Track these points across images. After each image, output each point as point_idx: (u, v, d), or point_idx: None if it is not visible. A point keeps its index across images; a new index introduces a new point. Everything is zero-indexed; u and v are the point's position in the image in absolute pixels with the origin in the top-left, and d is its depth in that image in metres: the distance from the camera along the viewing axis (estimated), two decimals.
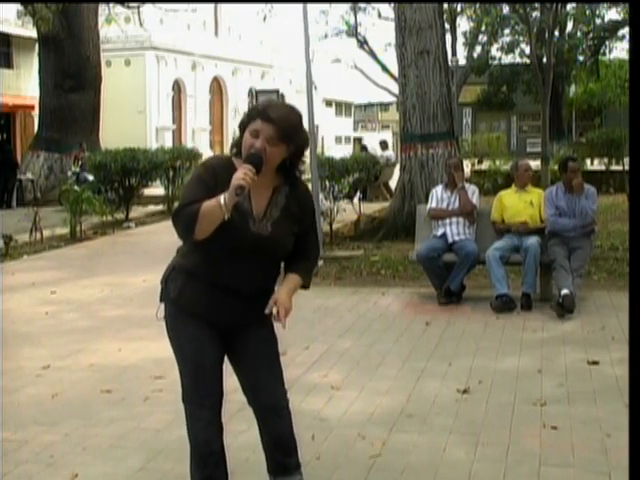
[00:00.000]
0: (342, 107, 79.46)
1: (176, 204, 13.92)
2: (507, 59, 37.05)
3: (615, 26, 22.30)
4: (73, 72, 24.80)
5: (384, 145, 24.26)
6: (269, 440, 3.94)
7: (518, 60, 36.62)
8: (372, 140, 32.61)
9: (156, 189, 20.64)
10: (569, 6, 28.14)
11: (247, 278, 3.62)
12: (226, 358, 3.82)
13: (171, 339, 3.87)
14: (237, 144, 3.65)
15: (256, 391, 3.83)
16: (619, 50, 40.62)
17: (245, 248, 3.57)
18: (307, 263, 3.82)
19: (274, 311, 3.62)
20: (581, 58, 35.06)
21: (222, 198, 3.38)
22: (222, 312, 3.67)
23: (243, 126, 3.59)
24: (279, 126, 3.48)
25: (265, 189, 3.62)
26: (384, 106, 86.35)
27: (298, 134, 3.58)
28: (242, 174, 3.36)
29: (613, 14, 30.68)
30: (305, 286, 3.81)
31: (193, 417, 3.77)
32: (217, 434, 3.77)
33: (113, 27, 29.39)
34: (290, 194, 3.69)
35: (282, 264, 3.80)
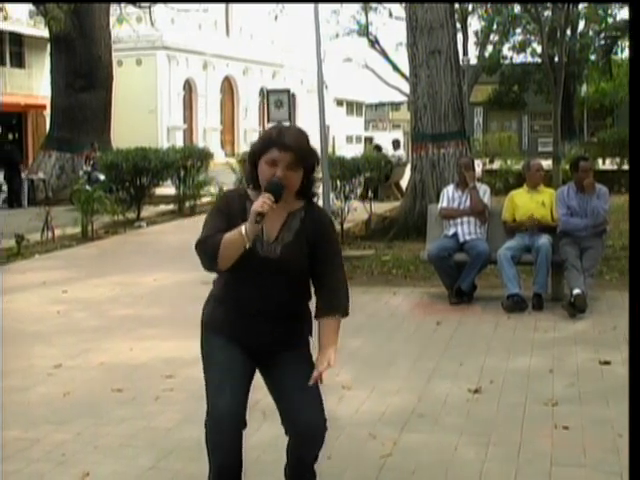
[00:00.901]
0: (353, 107, 79.50)
1: (187, 204, 13.89)
2: (519, 58, 37.07)
3: (627, 25, 22.24)
4: (85, 72, 24.85)
5: (396, 144, 24.24)
6: (296, 461, 3.93)
7: (530, 59, 36.60)
8: (384, 140, 32.59)
9: (167, 189, 20.67)
10: (581, 5, 28.05)
11: (269, 299, 3.61)
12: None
13: (203, 358, 3.76)
14: (251, 177, 3.64)
15: (294, 418, 3.72)
16: None
17: (257, 271, 3.57)
18: (338, 295, 3.79)
19: (315, 375, 3.62)
20: (593, 57, 35.01)
21: (243, 228, 3.40)
22: (251, 336, 3.66)
23: (254, 157, 3.58)
24: (296, 152, 3.50)
25: (280, 213, 3.60)
26: (395, 106, 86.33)
27: (311, 155, 3.61)
28: (261, 202, 3.36)
29: (625, 13, 30.58)
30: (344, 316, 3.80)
31: (212, 430, 3.68)
32: (235, 448, 3.70)
33: (125, 27, 29.42)
34: (306, 217, 3.68)
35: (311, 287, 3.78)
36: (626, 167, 23.50)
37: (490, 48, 35.75)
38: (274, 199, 3.39)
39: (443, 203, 9.26)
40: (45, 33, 28.34)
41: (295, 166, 3.51)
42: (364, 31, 33.95)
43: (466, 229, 8.99)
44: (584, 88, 42.25)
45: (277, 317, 3.65)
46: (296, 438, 3.79)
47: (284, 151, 3.49)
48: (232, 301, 3.67)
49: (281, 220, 3.63)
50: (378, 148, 24.87)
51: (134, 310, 8.92)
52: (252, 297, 3.62)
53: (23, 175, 23.42)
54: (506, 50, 36.58)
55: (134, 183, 18.50)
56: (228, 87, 57.09)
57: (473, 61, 34.91)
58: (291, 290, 3.66)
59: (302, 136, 3.61)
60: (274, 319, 3.65)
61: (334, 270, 3.77)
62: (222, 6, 53.64)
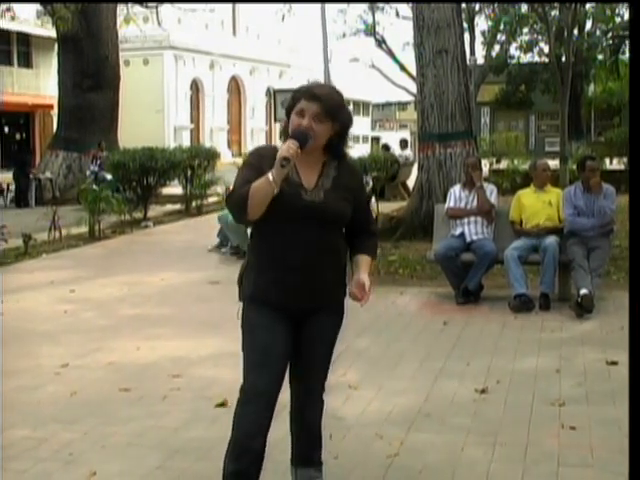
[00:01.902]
0: (360, 106, 79.43)
1: (194, 204, 13.88)
2: (526, 58, 36.97)
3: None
4: (92, 72, 24.89)
5: (404, 144, 24.24)
6: (299, 428, 4.02)
7: (537, 59, 36.53)
8: (391, 139, 32.58)
9: (174, 188, 20.68)
10: (588, 5, 27.98)
11: (312, 251, 3.67)
12: None
13: (243, 331, 3.82)
14: (285, 131, 3.76)
15: (304, 373, 3.89)
16: None
17: (302, 217, 3.63)
18: (372, 239, 3.94)
19: (355, 291, 3.73)
20: (600, 57, 34.94)
21: (270, 174, 3.50)
22: (293, 293, 3.70)
23: (289, 110, 3.71)
24: (324, 103, 3.61)
25: (314, 164, 3.74)
26: (402, 105, 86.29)
27: (342, 112, 3.71)
28: (286, 146, 3.49)
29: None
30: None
31: (242, 407, 3.75)
32: (260, 431, 3.74)
33: (132, 27, 29.47)
34: (339, 167, 3.78)
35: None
36: None
37: (497, 48, 35.70)
38: (299, 145, 3.51)
39: (450, 203, 9.26)
40: (52, 33, 28.38)
41: (323, 117, 3.62)
42: (371, 31, 33.89)
43: (473, 229, 8.98)
44: (591, 88, 42.18)
45: (320, 273, 3.71)
46: (298, 395, 3.95)
47: (311, 101, 3.62)
48: (276, 260, 3.69)
49: (317, 169, 3.75)
50: (386, 148, 24.86)
51: (141, 310, 8.93)
52: (296, 249, 3.65)
53: (30, 175, 23.48)
54: (513, 50, 36.53)
55: (141, 183, 18.51)
56: (235, 87, 57.15)
57: (480, 61, 34.84)
58: (333, 239, 3.75)
59: (333, 91, 3.75)
60: (318, 276, 3.70)
61: (368, 217, 3.95)
62: (229, 6, 53.70)
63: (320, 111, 3.60)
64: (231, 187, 3.71)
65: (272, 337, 3.72)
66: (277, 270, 3.69)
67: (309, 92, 3.66)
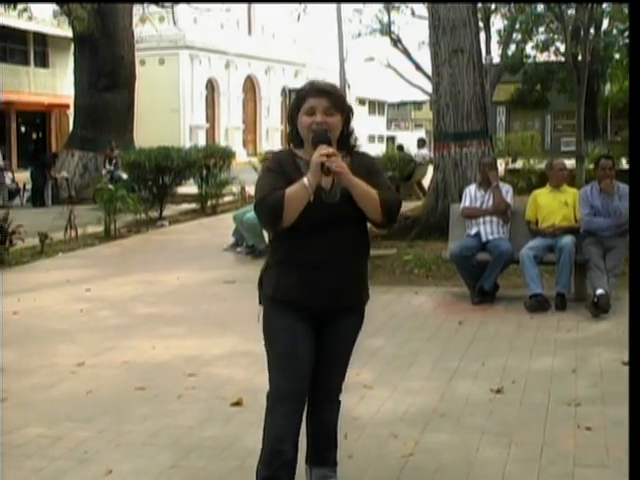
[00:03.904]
0: (375, 106, 79.49)
1: (209, 203, 13.90)
2: (542, 57, 36.77)
3: None
4: (108, 71, 24.95)
5: (421, 143, 24.24)
6: (315, 429, 4.00)
7: (553, 58, 36.33)
8: (407, 139, 32.54)
9: (190, 188, 20.72)
10: (605, 3, 27.85)
11: (334, 250, 3.65)
12: None
13: (265, 334, 3.81)
14: (293, 136, 3.76)
15: (319, 372, 3.83)
16: None
17: (322, 219, 3.60)
18: (393, 194, 3.76)
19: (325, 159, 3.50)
20: (617, 56, 34.75)
21: (306, 179, 3.49)
22: (317, 293, 3.68)
23: (295, 112, 3.69)
24: (332, 96, 3.63)
25: None
26: (417, 105, 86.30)
27: (346, 103, 3.73)
28: (324, 153, 3.46)
29: None
30: (386, 210, 3.65)
31: (272, 413, 3.74)
32: (291, 434, 3.73)
33: (147, 26, 29.53)
34: (353, 161, 3.73)
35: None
36: None
37: (513, 47, 35.56)
38: (327, 145, 3.51)
39: (466, 202, 9.24)
40: (69, 33, 28.49)
41: (333, 110, 3.63)
42: (386, 30, 33.87)
43: (488, 228, 8.96)
44: (608, 87, 41.98)
45: (342, 273, 3.70)
46: (316, 397, 3.89)
47: (320, 97, 3.62)
48: (298, 261, 3.67)
49: None
50: (400, 148, 24.88)
51: (156, 309, 8.95)
52: (318, 250, 3.64)
53: (48, 175, 23.58)
54: (529, 49, 36.34)
55: (157, 182, 18.55)
56: (250, 86, 57.22)
57: (496, 60, 34.75)
58: (354, 239, 3.74)
59: (333, 85, 3.77)
60: (340, 275, 3.69)
61: (388, 189, 3.74)
62: (244, 6, 53.77)
63: (330, 105, 3.61)
64: (253, 193, 3.69)
65: (295, 339, 3.70)
66: (299, 270, 3.67)
67: (315, 88, 3.65)
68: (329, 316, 3.79)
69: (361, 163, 3.76)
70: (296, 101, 3.68)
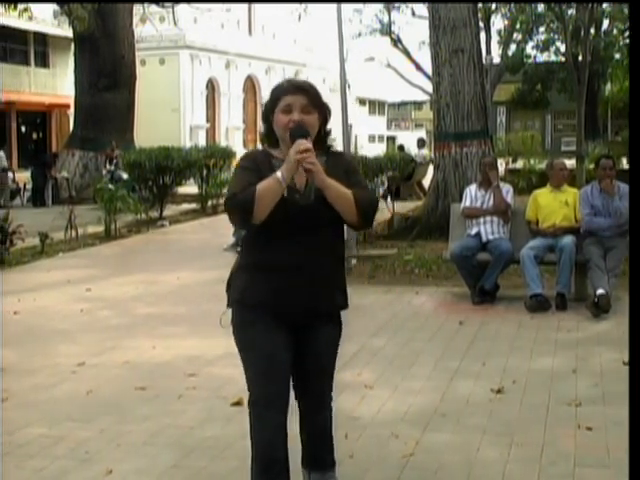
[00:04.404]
0: (375, 105, 79.41)
1: (210, 203, 13.81)
2: (542, 57, 36.83)
3: None
4: (108, 71, 24.98)
5: (421, 143, 24.25)
6: (309, 433, 3.91)
7: (553, 58, 36.38)
8: (408, 139, 32.55)
9: (190, 187, 20.74)
10: (605, 3, 27.87)
11: (307, 254, 3.53)
12: None
13: (239, 341, 3.70)
14: (268, 135, 3.67)
15: (307, 383, 3.79)
16: None
17: (295, 222, 3.50)
18: (367, 193, 3.63)
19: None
20: (617, 56, 34.77)
21: (279, 173, 3.40)
22: (288, 298, 3.56)
23: (267, 112, 3.59)
24: (309, 93, 3.55)
25: None
26: (417, 105, 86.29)
27: (323, 102, 3.63)
28: (303, 148, 3.36)
29: None
30: (361, 212, 3.53)
31: (260, 419, 3.63)
32: (283, 440, 3.66)
33: (148, 26, 29.53)
34: (328, 160, 3.63)
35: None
36: None
37: (513, 47, 35.60)
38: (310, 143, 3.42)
39: (466, 202, 9.24)
40: (69, 33, 28.51)
41: (311, 108, 3.54)
42: (387, 30, 33.90)
43: (489, 228, 8.96)
44: (608, 87, 41.99)
45: (316, 277, 3.57)
46: (307, 404, 3.85)
47: (297, 94, 3.53)
48: (270, 264, 3.56)
49: None
50: (401, 148, 24.90)
51: (157, 308, 8.95)
52: (293, 252, 3.53)
53: (48, 175, 23.59)
54: (529, 49, 36.42)
55: (157, 182, 18.58)
56: (250, 86, 57.17)
57: (496, 60, 34.78)
58: (327, 244, 3.60)
59: (311, 83, 3.67)
60: (313, 279, 3.56)
61: (364, 189, 3.63)
62: (245, 5, 53.71)
63: (307, 102, 3.52)
64: (226, 191, 3.58)
65: (273, 342, 3.59)
66: (269, 274, 3.56)
67: (292, 86, 3.57)
68: (304, 323, 3.67)
69: (337, 163, 3.64)
70: (271, 99, 3.58)
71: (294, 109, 3.50)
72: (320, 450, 3.95)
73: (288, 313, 3.60)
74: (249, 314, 3.64)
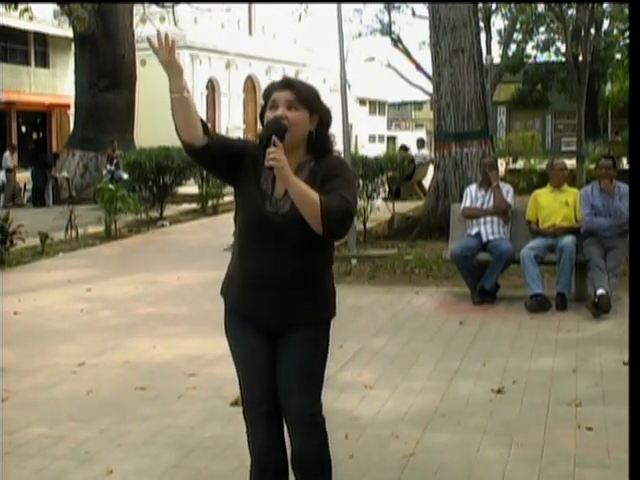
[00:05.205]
0: (376, 106, 79.38)
1: (210, 203, 13.78)
2: (542, 57, 36.84)
3: None
4: (108, 71, 24.97)
5: (421, 143, 24.24)
6: (291, 455, 3.62)
7: (553, 58, 36.39)
8: (408, 139, 32.56)
9: (190, 188, 20.73)
10: (605, 4, 27.89)
11: (274, 267, 3.36)
12: None
13: (229, 345, 3.67)
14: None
15: (283, 396, 3.51)
16: None
17: (265, 232, 3.35)
18: (340, 200, 3.23)
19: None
20: (618, 56, 34.78)
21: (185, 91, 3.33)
22: (259, 307, 3.42)
23: (262, 112, 3.49)
24: (296, 89, 3.38)
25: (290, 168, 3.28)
26: (418, 105, 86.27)
27: (318, 102, 3.45)
28: (272, 156, 3.15)
29: None
30: (324, 214, 3.18)
31: (250, 424, 3.61)
32: (277, 445, 3.59)
33: (148, 26, 29.50)
34: (315, 167, 3.41)
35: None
36: None
37: (513, 47, 35.60)
38: (279, 139, 3.20)
39: (466, 202, 9.24)
40: (69, 33, 28.51)
41: (297, 104, 3.36)
42: (387, 30, 33.90)
43: (489, 228, 8.96)
44: (608, 87, 41.99)
45: (284, 288, 3.38)
46: (286, 421, 3.56)
47: (283, 89, 3.39)
48: (241, 271, 3.47)
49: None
50: (404, 148, 24.88)
51: (157, 309, 8.95)
52: (257, 264, 3.39)
53: (49, 175, 23.59)
54: (530, 49, 36.43)
55: (157, 182, 18.57)
56: (251, 86, 57.15)
57: (496, 60, 34.76)
58: (305, 255, 3.38)
59: (305, 82, 3.53)
60: (287, 289, 3.38)
61: (338, 195, 3.25)
62: (245, 5, 53.71)
63: (293, 98, 3.33)
64: None
65: (249, 350, 3.53)
66: (241, 285, 3.47)
67: (279, 82, 3.44)
68: (276, 332, 3.49)
69: (325, 165, 3.40)
70: (264, 98, 3.48)
71: (279, 104, 3.35)
72: (300, 478, 3.63)
73: (258, 321, 3.50)
74: (231, 317, 3.61)
